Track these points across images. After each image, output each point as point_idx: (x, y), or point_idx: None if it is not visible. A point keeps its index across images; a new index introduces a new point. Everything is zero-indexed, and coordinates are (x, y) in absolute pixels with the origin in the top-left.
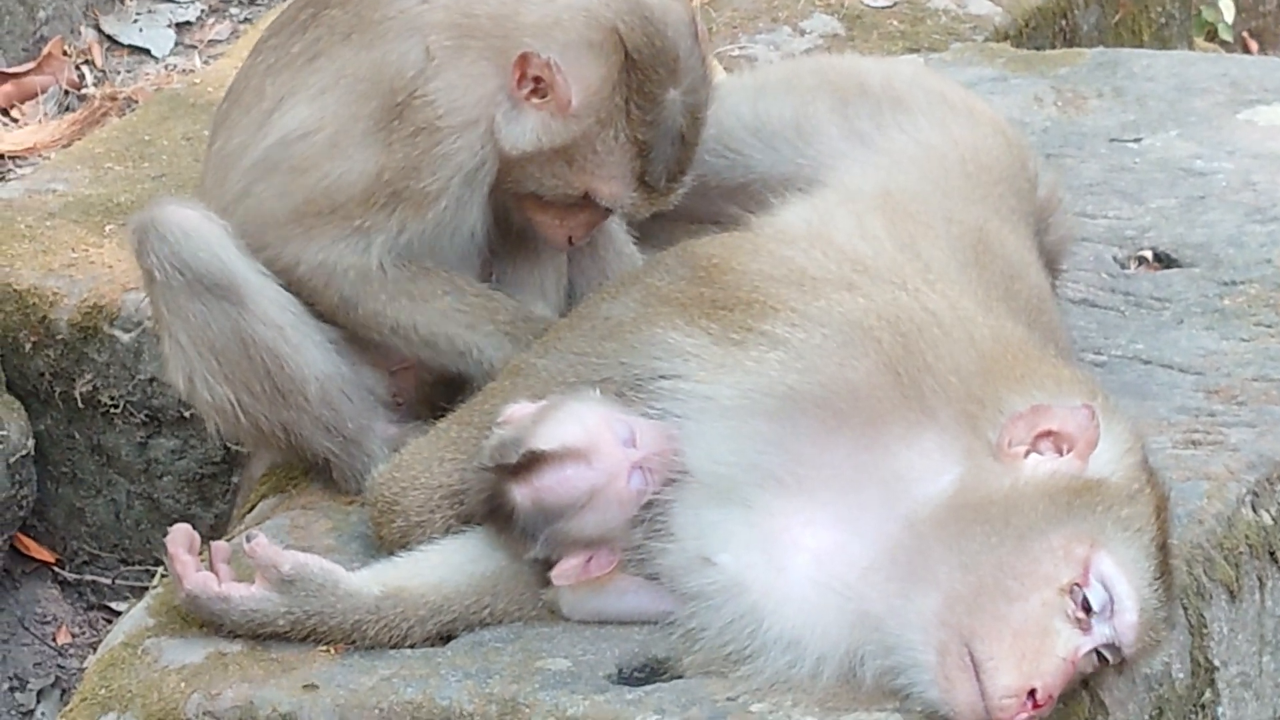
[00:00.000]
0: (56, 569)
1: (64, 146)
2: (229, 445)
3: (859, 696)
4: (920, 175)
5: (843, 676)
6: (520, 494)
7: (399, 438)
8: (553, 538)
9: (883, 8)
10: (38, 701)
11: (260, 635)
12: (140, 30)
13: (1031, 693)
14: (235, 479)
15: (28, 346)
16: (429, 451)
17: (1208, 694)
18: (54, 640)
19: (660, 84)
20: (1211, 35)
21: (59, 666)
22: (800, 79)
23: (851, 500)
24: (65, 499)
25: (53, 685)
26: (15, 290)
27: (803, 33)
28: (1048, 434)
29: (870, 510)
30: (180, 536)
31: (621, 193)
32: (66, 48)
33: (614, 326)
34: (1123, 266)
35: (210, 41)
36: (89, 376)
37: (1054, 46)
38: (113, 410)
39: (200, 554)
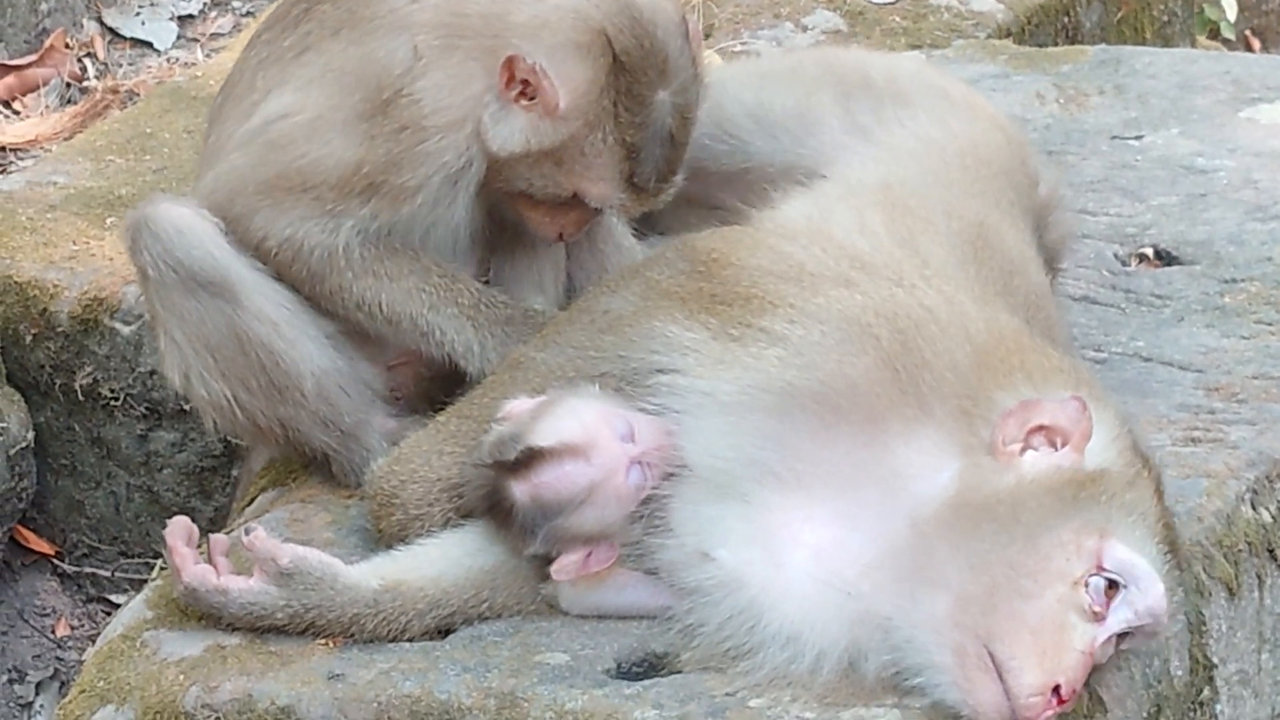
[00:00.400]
0: (56, 561)
1: (65, 139)
2: (228, 439)
3: (858, 692)
4: (920, 170)
5: (842, 672)
6: (519, 490)
7: (397, 432)
8: (552, 534)
9: (885, 4)
10: (36, 694)
11: (259, 628)
12: (142, 23)
13: (1056, 689)
14: (235, 472)
15: (28, 339)
16: (428, 445)
17: (1206, 691)
18: (53, 632)
19: (649, 85)
20: (1214, 33)
21: (58, 659)
22: (804, 70)
23: (850, 496)
24: (65, 491)
25: (52, 677)
26: (16, 282)
27: (805, 29)
28: (1039, 429)
29: (869, 507)
30: (178, 529)
31: (610, 194)
32: (69, 40)
33: (613, 320)
34: (1123, 264)
35: (212, 35)
36: (89, 369)
37: (1056, 44)
38: (113, 403)
39: (199, 547)
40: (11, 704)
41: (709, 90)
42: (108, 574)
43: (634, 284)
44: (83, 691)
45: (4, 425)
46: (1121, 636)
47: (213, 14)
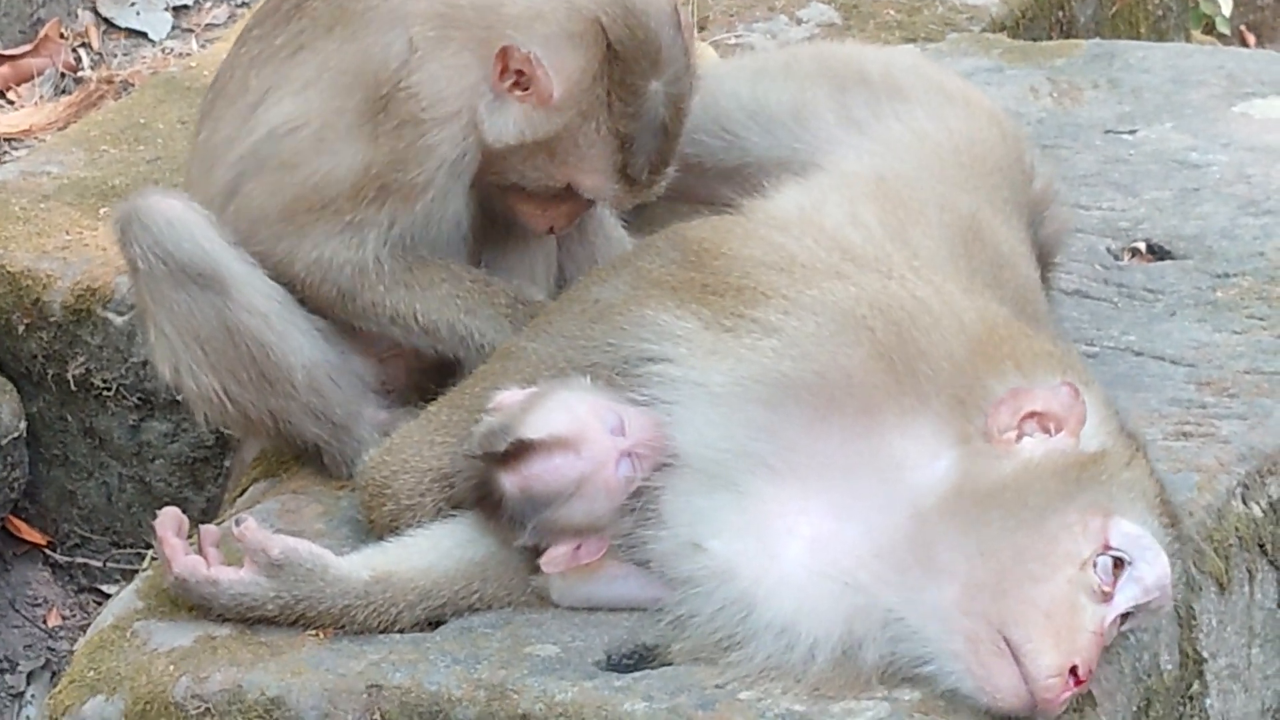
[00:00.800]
0: (48, 551)
1: (60, 129)
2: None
3: (850, 684)
4: (914, 163)
5: (836, 663)
6: (508, 482)
7: (389, 423)
8: (540, 526)
9: None
10: (28, 683)
11: (249, 619)
12: (137, 14)
13: (1073, 670)
14: (227, 463)
15: (21, 329)
16: (419, 435)
17: (1196, 685)
18: (44, 622)
19: (642, 75)
20: (1209, 28)
21: (49, 649)
22: (800, 64)
23: (846, 487)
24: (57, 481)
25: (43, 667)
26: (9, 272)
27: (800, 21)
28: (1032, 415)
29: (865, 497)
30: (169, 520)
31: (603, 185)
32: (63, 30)
33: (604, 309)
34: (1116, 258)
35: (207, 25)
36: (82, 359)
37: (1050, 38)
38: (105, 393)
39: (190, 538)
40: (3, 694)
41: (701, 82)
42: (99, 564)
43: (624, 273)
44: (73, 681)
45: None
46: (1125, 616)
47: (207, 4)
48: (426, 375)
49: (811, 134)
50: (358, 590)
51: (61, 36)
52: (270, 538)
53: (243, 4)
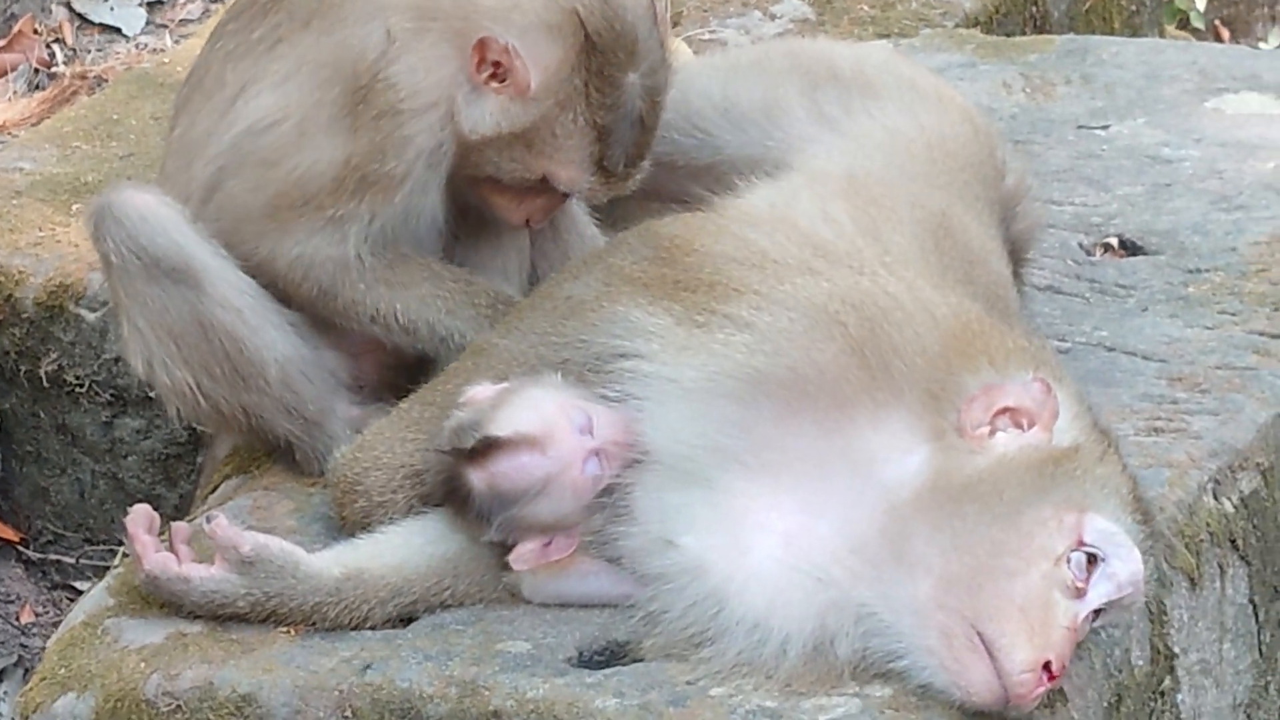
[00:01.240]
0: (20, 548)
1: (33, 125)
2: (192, 426)
3: (823, 680)
4: (886, 160)
5: (809, 659)
6: (476, 478)
7: (361, 419)
8: (507, 523)
9: None
10: (0, 680)
11: (220, 616)
12: (111, 9)
13: (1046, 665)
14: (200, 459)
15: None
16: (391, 432)
17: (1167, 681)
18: (17, 619)
19: (620, 67)
20: (1183, 23)
21: (22, 645)
22: (771, 61)
23: (819, 483)
24: (30, 478)
25: (15, 664)
26: None
27: (773, 17)
28: (1004, 411)
29: (838, 493)
30: (140, 517)
31: (580, 177)
32: (37, 26)
33: (575, 305)
34: (1088, 253)
35: (181, 21)
36: (54, 355)
37: (1024, 33)
38: (78, 389)
39: (161, 534)
40: None
41: (676, 75)
42: (72, 561)
43: (596, 269)
44: (44, 679)
45: None
46: (1097, 612)
47: (181, 0)
48: (399, 371)
49: (783, 131)
50: (329, 587)
51: (35, 32)
52: (241, 535)
53: None
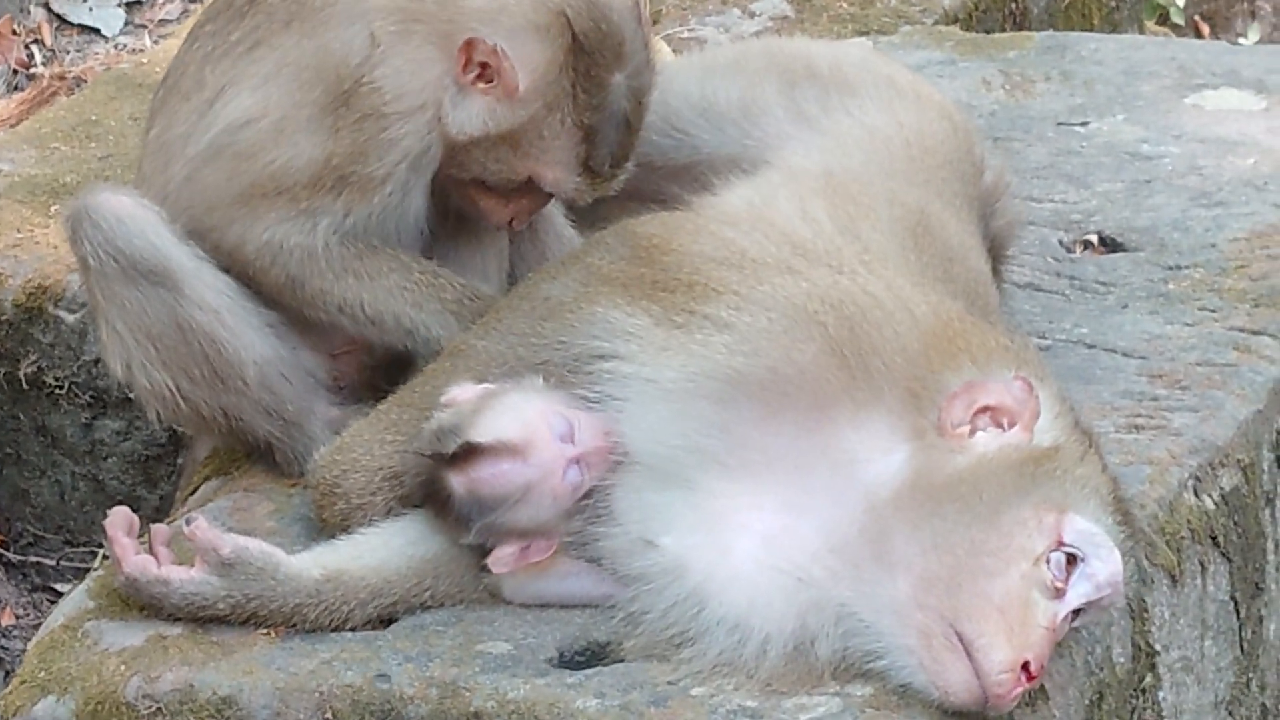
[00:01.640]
0: (0, 550)
1: (12, 126)
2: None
3: (804, 679)
4: (864, 158)
5: (790, 658)
6: (456, 482)
7: (341, 420)
8: (487, 528)
9: None
10: None
11: (200, 618)
12: (90, 10)
13: (1025, 665)
14: (180, 460)
15: None
16: (370, 434)
17: (1149, 678)
18: None
19: (606, 68)
20: (1163, 19)
21: (2, 648)
22: (748, 61)
23: (799, 483)
24: (10, 480)
25: None
26: None
27: (752, 15)
28: (985, 409)
29: (818, 493)
30: (119, 519)
31: (565, 178)
32: (16, 27)
33: (554, 306)
34: (1068, 250)
35: (160, 21)
36: (33, 357)
37: (1003, 29)
38: (57, 391)
39: (141, 536)
40: None
41: (660, 76)
42: (53, 563)
43: (574, 270)
44: (24, 682)
45: None
46: (1076, 613)
47: (160, 0)
48: (378, 372)
49: (761, 130)
50: (309, 589)
51: (14, 33)
52: (221, 536)
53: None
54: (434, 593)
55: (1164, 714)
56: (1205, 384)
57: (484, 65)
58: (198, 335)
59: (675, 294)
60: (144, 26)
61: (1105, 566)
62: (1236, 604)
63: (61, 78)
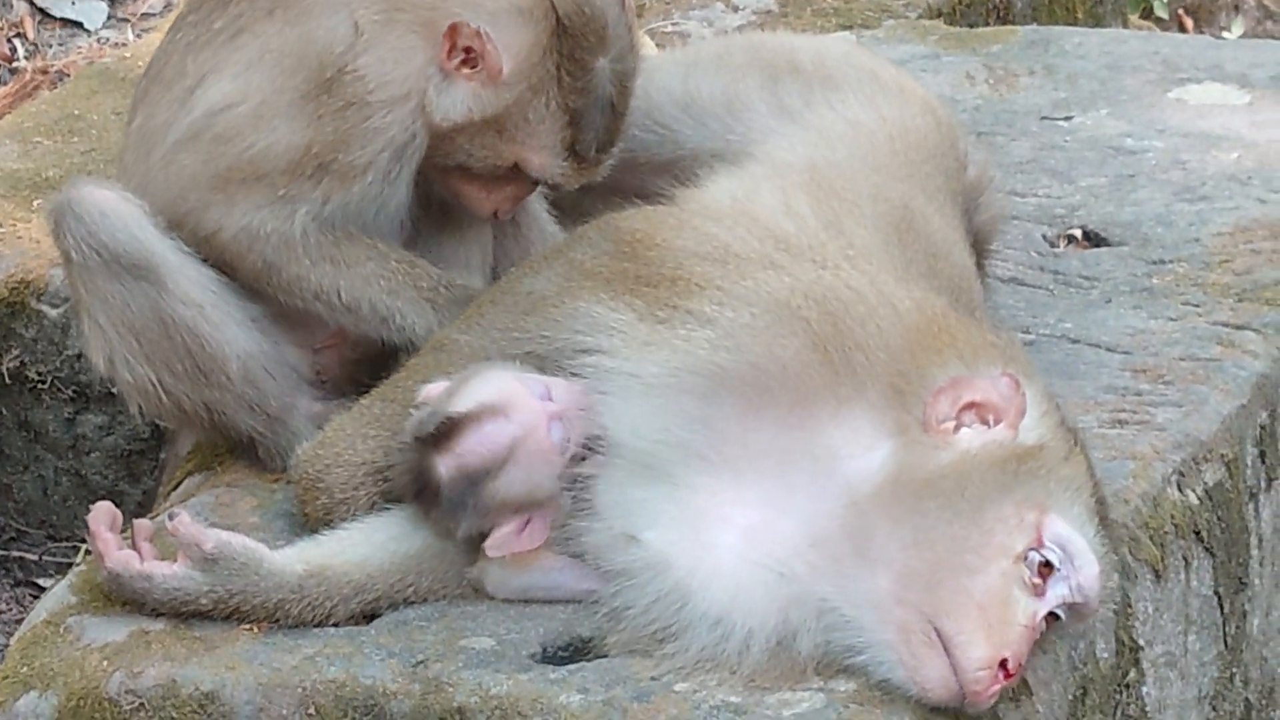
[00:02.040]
0: None
1: None
2: (155, 422)
3: (787, 674)
4: (847, 152)
5: (773, 653)
6: (443, 465)
7: (323, 415)
8: (481, 504)
9: None
10: None
11: (183, 614)
12: (72, 3)
13: (1003, 663)
14: (163, 455)
15: None
16: (352, 428)
17: (1132, 673)
18: None
19: (590, 51)
20: (1147, 12)
21: None
22: (731, 55)
23: (781, 478)
24: None
25: None
26: None
27: (736, 9)
28: (971, 406)
29: (801, 488)
30: (102, 514)
31: (551, 163)
32: None
33: (536, 300)
34: (1052, 245)
35: (143, 15)
36: (16, 352)
37: (987, 23)
38: (40, 386)
39: (124, 532)
40: None
41: (644, 62)
42: (35, 558)
43: (557, 264)
44: (5, 677)
45: None
46: (1055, 617)
47: None
48: (361, 366)
49: (744, 125)
50: (292, 584)
51: None
52: (204, 532)
53: None
54: (417, 588)
55: (1147, 709)
56: (1189, 379)
57: (468, 50)
58: (180, 330)
59: (658, 289)
60: (127, 20)
61: (1081, 571)
62: (1220, 599)
63: (44, 72)
